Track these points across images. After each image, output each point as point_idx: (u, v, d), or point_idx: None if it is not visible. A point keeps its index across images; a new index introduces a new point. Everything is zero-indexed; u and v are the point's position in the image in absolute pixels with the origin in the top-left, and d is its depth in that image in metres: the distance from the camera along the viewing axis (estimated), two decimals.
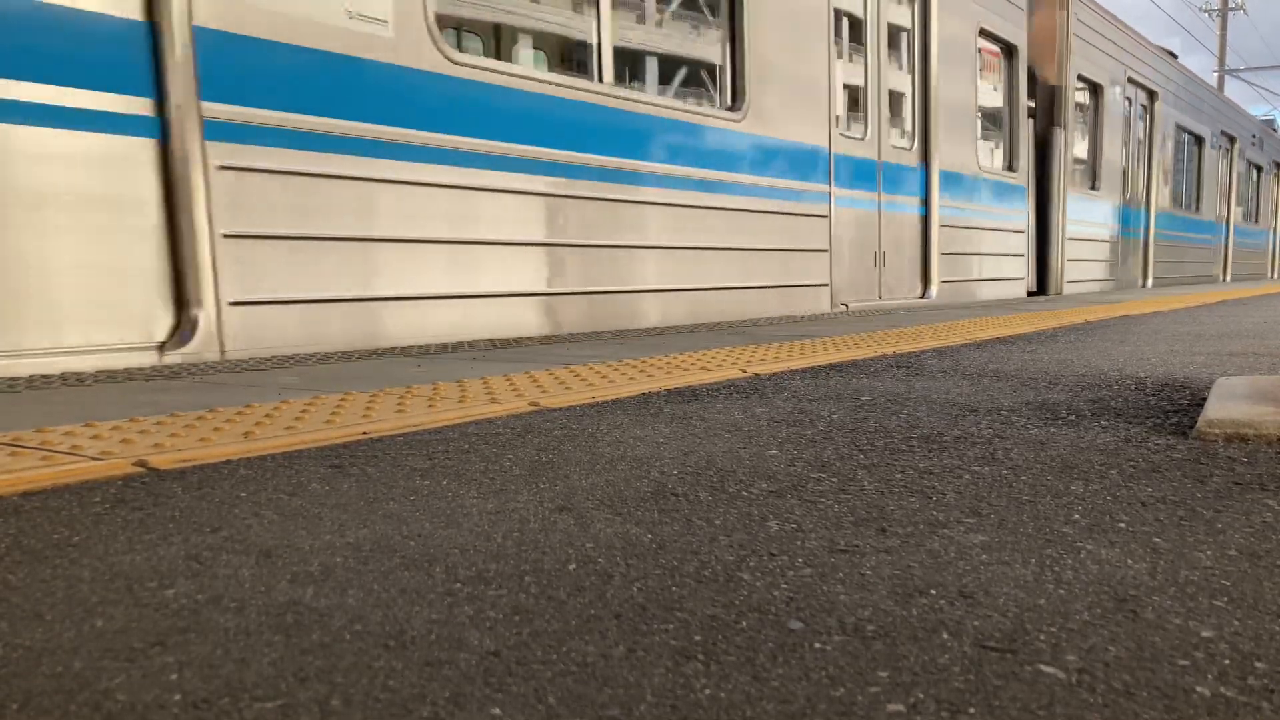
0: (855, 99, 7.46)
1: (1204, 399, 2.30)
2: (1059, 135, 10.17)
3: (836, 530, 1.25)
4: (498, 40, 5.65)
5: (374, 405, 2.24)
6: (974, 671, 0.83)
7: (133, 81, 3.23)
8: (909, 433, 1.95)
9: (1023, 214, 9.51)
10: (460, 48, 5.14)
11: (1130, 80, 12.16)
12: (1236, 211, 17.63)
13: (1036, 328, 4.81)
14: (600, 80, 5.10)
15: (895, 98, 7.94)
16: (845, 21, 7.39)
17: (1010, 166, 9.43)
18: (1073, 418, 2.11)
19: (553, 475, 1.58)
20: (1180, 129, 14.30)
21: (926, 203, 7.92)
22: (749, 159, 5.99)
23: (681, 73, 6.55)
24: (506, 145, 4.43)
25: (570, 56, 5.72)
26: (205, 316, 3.41)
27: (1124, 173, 12.21)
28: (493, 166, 4.38)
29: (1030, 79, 9.75)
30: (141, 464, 1.63)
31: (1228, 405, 2.05)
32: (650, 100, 5.31)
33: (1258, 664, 0.84)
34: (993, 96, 9.42)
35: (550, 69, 5.49)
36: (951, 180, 8.23)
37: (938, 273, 8.00)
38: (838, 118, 6.82)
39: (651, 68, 6.28)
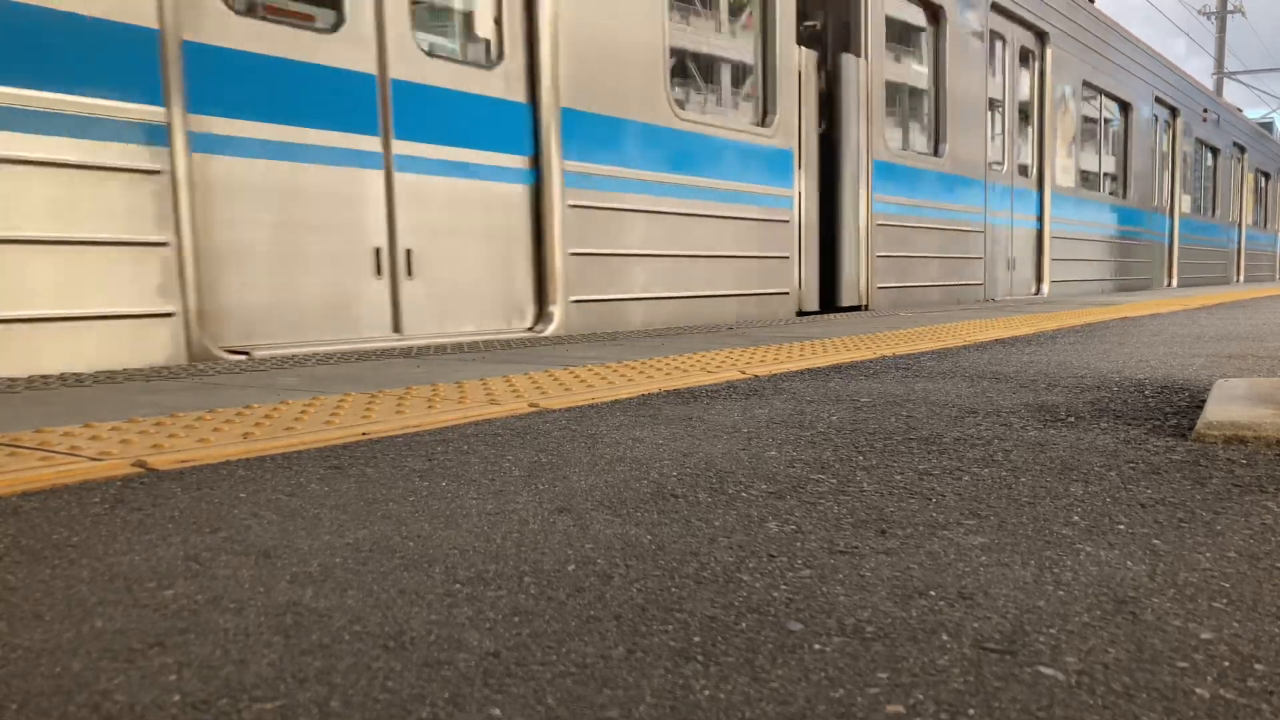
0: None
1: (1203, 401, 2.30)
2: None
3: (836, 532, 1.25)
4: None
5: (373, 406, 2.24)
6: (973, 673, 0.83)
7: None
8: (908, 434, 1.95)
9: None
10: None
11: (1234, 144, 17.54)
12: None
13: (1036, 329, 4.81)
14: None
15: None
16: None
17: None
18: (1072, 419, 2.11)
19: (552, 476, 1.58)
20: (1259, 171, 19.88)
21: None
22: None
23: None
24: None
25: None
26: None
27: (1229, 204, 17.64)
28: None
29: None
30: (141, 464, 1.63)
31: (1227, 407, 2.05)
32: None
33: (1257, 666, 0.84)
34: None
35: None
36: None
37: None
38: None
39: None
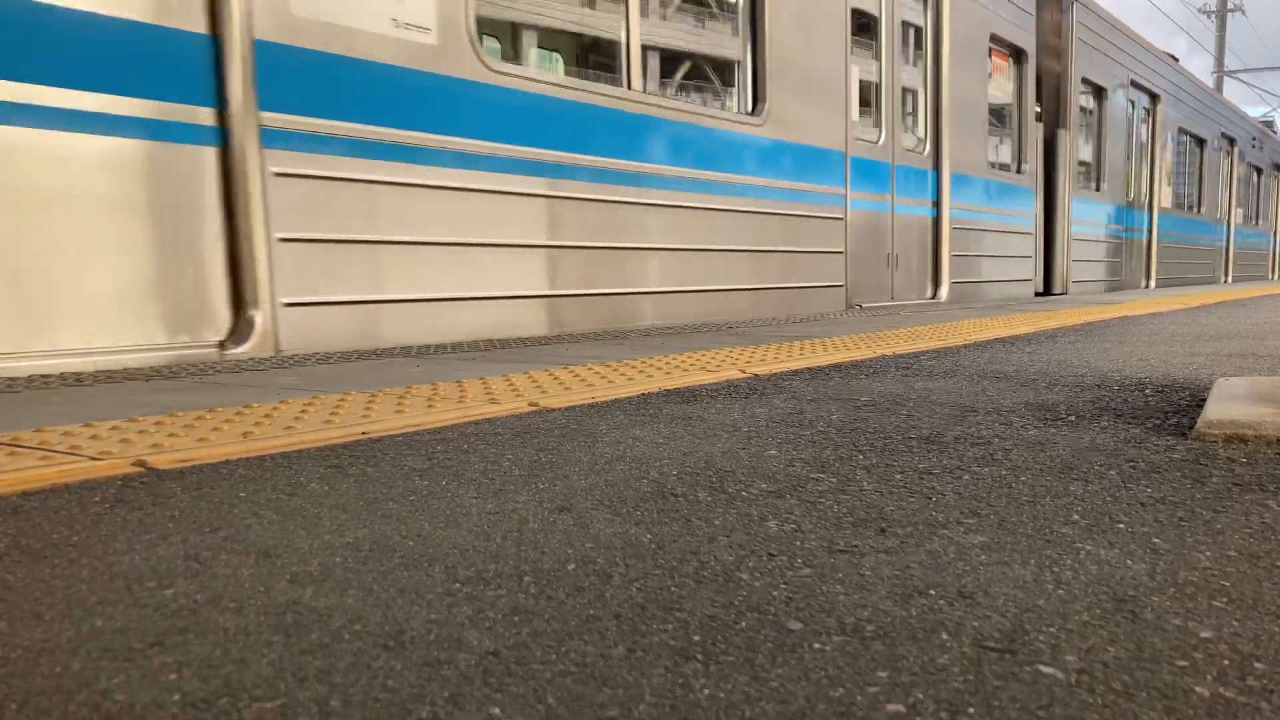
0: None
1: (1203, 400, 2.30)
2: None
3: (836, 530, 1.25)
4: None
5: (373, 405, 2.24)
6: (973, 672, 0.83)
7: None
8: (908, 433, 1.95)
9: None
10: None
11: (1276, 165, 21.28)
12: None
13: (1036, 328, 4.81)
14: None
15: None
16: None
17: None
18: (1072, 418, 2.11)
19: (552, 475, 1.58)
20: None
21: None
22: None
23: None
24: None
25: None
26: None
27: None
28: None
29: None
30: (141, 464, 1.63)
31: (1227, 406, 2.05)
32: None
33: (1257, 664, 0.84)
34: None
35: None
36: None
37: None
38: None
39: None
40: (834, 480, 1.54)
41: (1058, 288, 10.63)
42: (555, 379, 2.73)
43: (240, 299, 3.42)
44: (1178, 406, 2.27)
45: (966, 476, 1.56)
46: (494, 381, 2.69)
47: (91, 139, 3.00)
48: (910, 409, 2.26)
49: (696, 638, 0.90)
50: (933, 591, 1.02)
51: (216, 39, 3.25)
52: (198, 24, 3.22)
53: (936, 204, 8.30)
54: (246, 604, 1.00)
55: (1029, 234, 9.86)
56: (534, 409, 2.25)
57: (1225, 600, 0.99)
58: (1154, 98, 13.25)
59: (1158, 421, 2.07)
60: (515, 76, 4.36)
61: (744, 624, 0.94)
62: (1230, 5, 34.41)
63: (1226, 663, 0.84)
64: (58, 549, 1.19)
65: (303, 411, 2.14)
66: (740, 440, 1.88)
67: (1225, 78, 35.22)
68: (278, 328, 3.48)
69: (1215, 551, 1.15)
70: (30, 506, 1.39)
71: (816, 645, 0.89)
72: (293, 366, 3.15)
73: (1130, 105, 12.37)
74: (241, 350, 3.38)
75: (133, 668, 0.85)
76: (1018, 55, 9.49)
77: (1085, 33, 10.67)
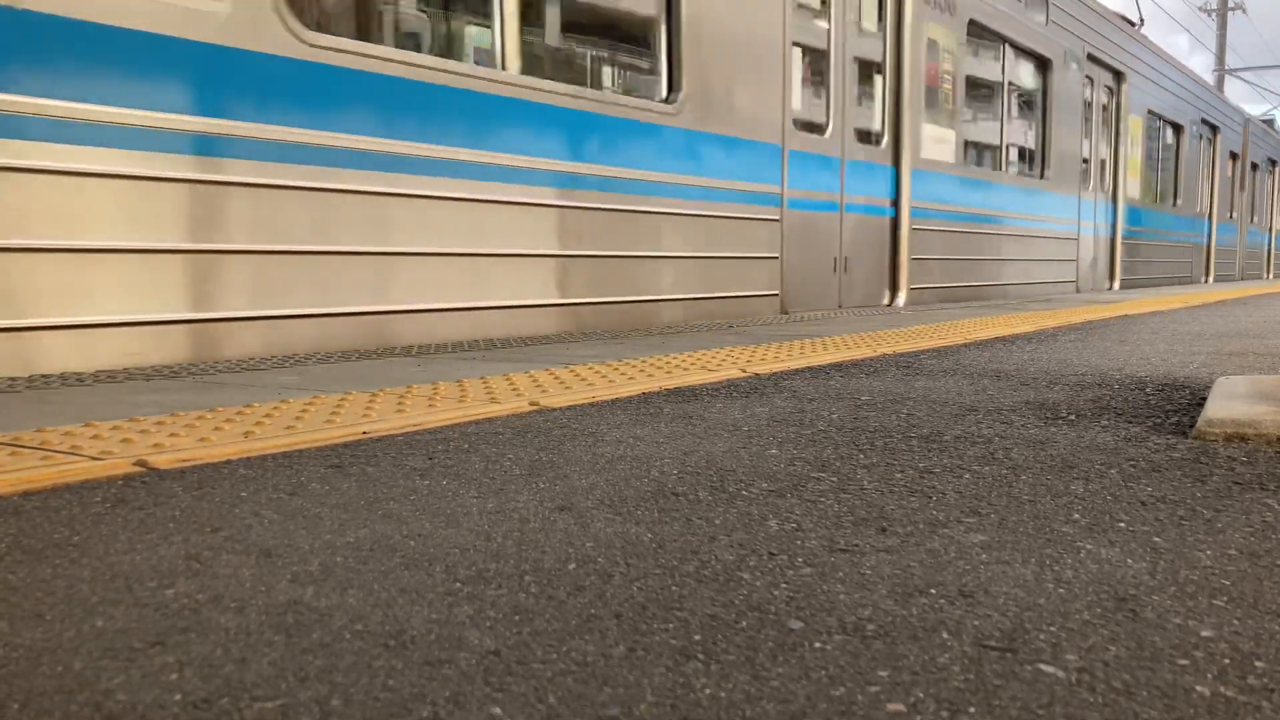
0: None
1: (1204, 399, 2.30)
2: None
3: (836, 530, 1.25)
4: None
5: (374, 405, 2.24)
6: (974, 671, 0.83)
7: None
8: (909, 432, 1.95)
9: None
10: None
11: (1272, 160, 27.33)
12: None
13: (1037, 327, 4.81)
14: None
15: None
16: None
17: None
18: (1073, 417, 2.11)
19: (553, 475, 1.58)
20: None
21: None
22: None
23: None
24: None
25: None
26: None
27: None
28: None
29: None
30: (141, 464, 1.63)
31: (1228, 405, 2.05)
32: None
33: (1257, 663, 0.84)
34: None
35: None
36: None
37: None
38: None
39: None
40: (835, 479, 1.54)
41: (1237, 277, 17.77)
42: (556, 378, 2.73)
43: (895, 284, 7.17)
44: (1178, 405, 2.27)
45: (967, 475, 1.56)
46: (494, 381, 2.69)
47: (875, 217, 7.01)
48: (911, 408, 2.26)
49: (697, 637, 0.90)
50: (933, 590, 1.02)
51: (897, 169, 7.02)
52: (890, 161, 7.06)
53: (1208, 236, 15.17)
54: (247, 604, 1.00)
55: (1235, 250, 17.75)
56: (535, 408, 2.25)
57: (1226, 599, 0.99)
58: (1274, 163, 20.65)
59: (1158, 420, 2.07)
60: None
61: (745, 623, 0.94)
62: (1231, 4, 34.38)
63: (1227, 662, 0.84)
64: (59, 549, 1.19)
65: (303, 411, 2.14)
66: (741, 439, 1.88)
67: (1226, 76, 35.19)
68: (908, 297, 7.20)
69: (1216, 550, 1.15)
70: (31, 506, 1.39)
71: (817, 644, 0.89)
72: (293, 366, 3.15)
73: (1266, 171, 19.76)
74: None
75: (134, 667, 0.85)
76: (1234, 157, 16.90)
77: (1252, 137, 17.68)
